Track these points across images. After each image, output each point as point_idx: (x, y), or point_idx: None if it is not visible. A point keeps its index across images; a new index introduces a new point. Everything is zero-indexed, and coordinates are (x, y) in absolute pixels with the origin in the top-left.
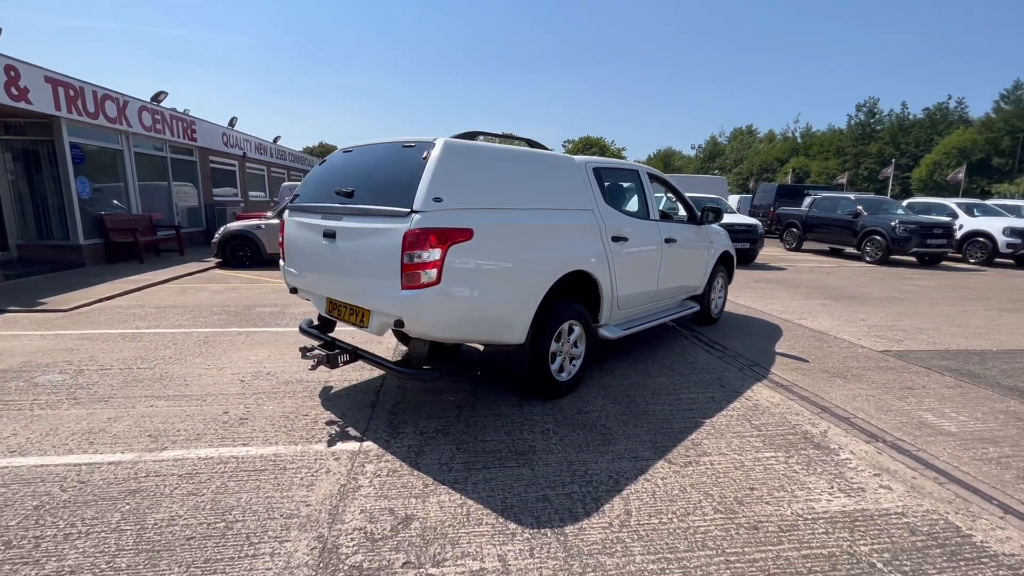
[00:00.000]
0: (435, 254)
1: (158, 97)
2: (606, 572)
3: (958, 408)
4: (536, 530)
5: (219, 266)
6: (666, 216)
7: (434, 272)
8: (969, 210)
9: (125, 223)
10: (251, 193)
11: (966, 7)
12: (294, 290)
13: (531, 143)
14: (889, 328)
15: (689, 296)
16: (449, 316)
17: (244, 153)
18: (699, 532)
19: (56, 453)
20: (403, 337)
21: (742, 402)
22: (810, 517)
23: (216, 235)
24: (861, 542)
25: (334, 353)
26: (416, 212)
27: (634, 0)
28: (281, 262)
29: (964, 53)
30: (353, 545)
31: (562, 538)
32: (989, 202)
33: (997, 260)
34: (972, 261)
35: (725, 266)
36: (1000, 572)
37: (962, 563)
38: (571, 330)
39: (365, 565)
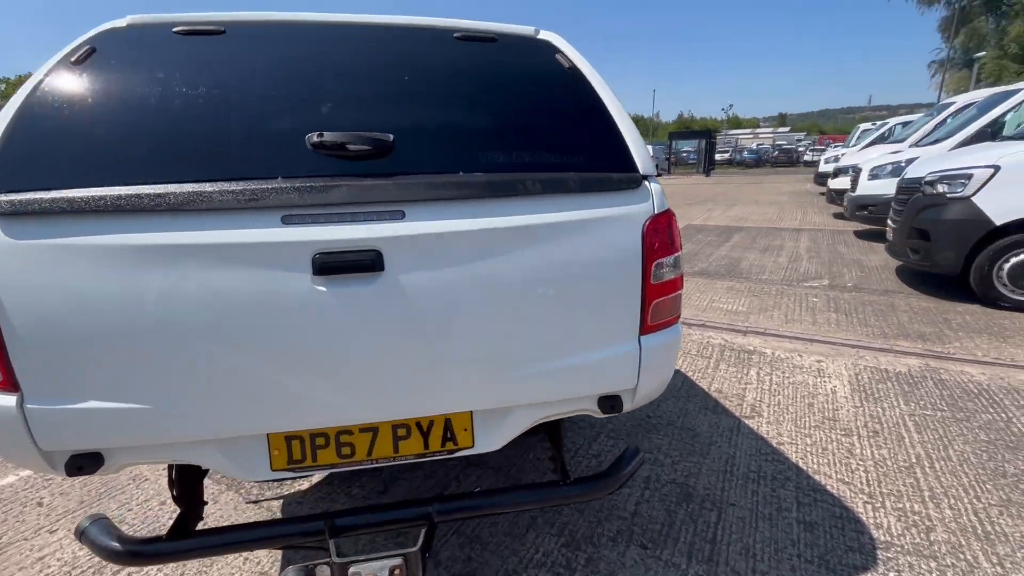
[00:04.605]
0: (677, 258)
1: None
2: (913, 490)
3: (732, 298)
4: (838, 512)
5: None
6: None
7: (680, 293)
8: None
9: None
10: None
11: None
12: (94, 461)
13: None
14: None
15: None
16: None
17: None
18: (862, 441)
19: None
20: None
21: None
22: (844, 399)
23: None
24: (886, 394)
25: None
26: (648, 179)
27: None
28: None
29: None
30: None
31: (859, 501)
32: None
33: None
34: None
35: None
36: (928, 382)
37: (913, 381)
38: None
39: None
